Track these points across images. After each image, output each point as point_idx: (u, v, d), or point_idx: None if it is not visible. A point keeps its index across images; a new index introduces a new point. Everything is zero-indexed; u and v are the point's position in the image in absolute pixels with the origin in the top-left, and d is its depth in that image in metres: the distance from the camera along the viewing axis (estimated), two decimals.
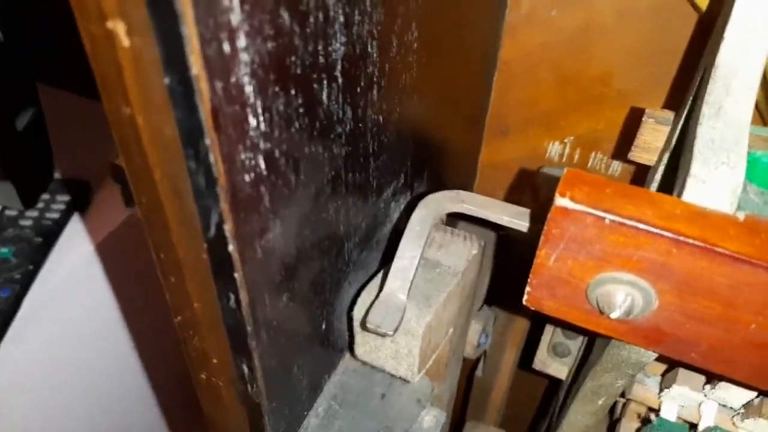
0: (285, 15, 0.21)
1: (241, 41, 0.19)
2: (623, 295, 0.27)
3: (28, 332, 0.67)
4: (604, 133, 0.58)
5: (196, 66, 0.18)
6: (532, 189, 0.62)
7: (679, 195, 0.27)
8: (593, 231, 0.26)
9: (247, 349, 0.26)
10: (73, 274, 0.73)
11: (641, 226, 0.25)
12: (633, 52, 0.52)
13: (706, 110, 0.28)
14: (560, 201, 0.26)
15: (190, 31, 0.17)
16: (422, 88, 0.39)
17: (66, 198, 0.78)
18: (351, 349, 0.37)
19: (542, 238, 0.27)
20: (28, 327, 0.67)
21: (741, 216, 0.25)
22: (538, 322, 0.63)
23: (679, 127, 0.35)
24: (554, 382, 0.57)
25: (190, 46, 0.17)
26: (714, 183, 0.26)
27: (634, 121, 0.55)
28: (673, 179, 0.38)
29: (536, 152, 0.63)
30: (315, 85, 0.25)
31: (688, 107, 0.34)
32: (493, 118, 0.62)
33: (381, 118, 0.33)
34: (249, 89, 0.20)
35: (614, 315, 0.27)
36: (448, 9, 0.40)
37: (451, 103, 0.51)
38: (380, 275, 0.37)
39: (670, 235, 0.25)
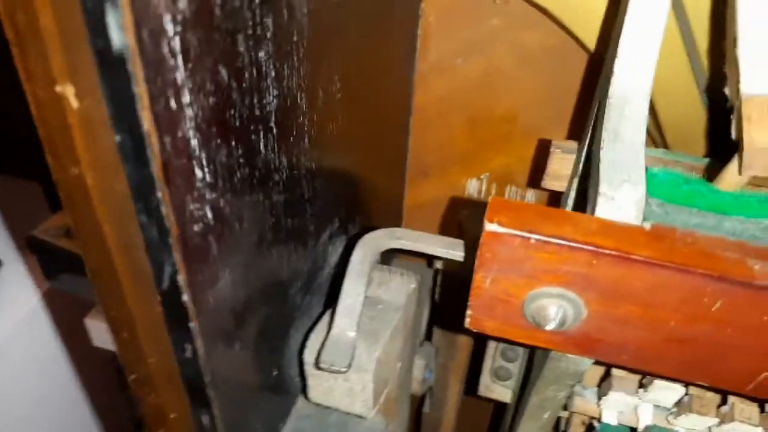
0: (223, 71, 0.22)
1: (186, 97, 0.20)
2: (555, 308, 0.29)
3: None
4: (515, 167, 0.62)
5: (147, 122, 0.19)
6: (458, 225, 0.65)
7: (592, 212, 0.29)
8: (521, 251, 0.28)
9: (207, 399, 0.26)
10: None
11: (563, 242, 0.27)
12: (533, 92, 0.57)
13: (606, 136, 0.31)
14: (489, 226, 0.28)
15: (140, 89, 0.18)
16: (348, 137, 0.41)
17: None
18: (304, 394, 0.38)
19: (477, 262, 0.29)
20: None
21: (647, 226, 0.28)
22: (478, 351, 0.65)
23: (584, 154, 0.39)
24: (500, 407, 0.58)
25: (141, 104, 0.18)
26: (620, 199, 0.29)
27: (542, 152, 0.60)
28: (584, 201, 0.42)
29: (456, 190, 0.66)
30: (253, 136, 0.26)
31: (589, 136, 0.38)
32: (413, 161, 0.65)
33: (313, 166, 0.35)
34: (194, 142, 0.21)
35: (549, 327, 0.29)
36: (365, 60, 0.42)
37: (375, 149, 0.54)
38: (325, 318, 0.38)
39: (589, 248, 0.27)
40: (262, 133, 0.27)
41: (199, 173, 0.22)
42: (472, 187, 0.65)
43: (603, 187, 0.30)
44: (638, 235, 0.28)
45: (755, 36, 0.28)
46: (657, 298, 0.28)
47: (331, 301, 0.43)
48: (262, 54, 0.25)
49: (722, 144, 0.49)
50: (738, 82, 0.28)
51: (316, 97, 0.33)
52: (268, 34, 0.25)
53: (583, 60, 0.53)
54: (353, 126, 0.43)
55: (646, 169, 0.30)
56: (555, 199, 0.47)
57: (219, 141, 0.23)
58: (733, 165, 0.30)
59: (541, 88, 0.56)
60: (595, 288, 0.28)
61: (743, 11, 0.28)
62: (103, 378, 0.80)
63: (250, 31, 0.24)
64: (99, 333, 0.69)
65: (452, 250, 0.36)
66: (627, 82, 0.32)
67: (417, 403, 0.72)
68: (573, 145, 0.42)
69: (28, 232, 0.67)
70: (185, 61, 0.20)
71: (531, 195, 0.64)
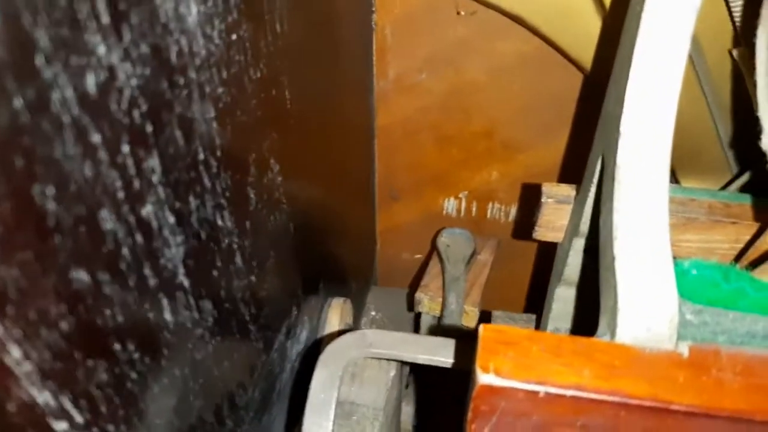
0: (82, 275, 0.15)
1: (15, 352, 0.13)
2: None
3: None
4: (497, 184, 0.56)
5: None
6: (435, 248, 0.58)
7: (612, 334, 0.23)
8: (527, 404, 0.22)
9: None
10: None
11: (581, 394, 0.21)
12: (511, 103, 0.49)
13: (619, 220, 0.25)
14: (483, 378, 0.21)
15: None
16: (300, 203, 0.34)
17: None
18: None
19: (470, 414, 0.23)
20: None
21: (684, 351, 0.22)
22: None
23: (585, 209, 0.32)
24: None
25: None
26: (647, 315, 0.23)
27: (530, 195, 0.53)
28: (590, 265, 0.35)
29: (432, 210, 0.59)
30: (151, 314, 0.19)
31: (592, 193, 0.31)
32: (381, 185, 0.58)
33: (254, 277, 0.28)
34: (44, 398, 0.14)
35: None
36: (315, 99, 0.35)
37: (337, 188, 0.46)
38: None
39: (616, 399, 0.21)
40: (165, 300, 0.20)
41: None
42: (451, 207, 0.59)
43: (623, 300, 0.23)
44: (675, 369, 0.22)
45: None
46: None
47: (299, 394, 0.37)
48: (147, 210, 0.18)
49: (738, 159, 0.43)
50: None
51: (246, 202, 0.26)
52: (155, 179, 0.18)
53: (564, 65, 0.46)
54: (308, 185, 0.36)
55: (675, 263, 0.24)
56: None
57: (90, 363, 0.16)
58: None
59: (520, 98, 0.49)
60: None
61: None
62: None
63: (121, 194, 0.16)
64: None
65: (439, 355, 0.29)
66: (640, 147, 0.25)
67: None
68: (567, 191, 0.35)
69: None
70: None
71: (514, 211, 0.57)
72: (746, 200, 0.34)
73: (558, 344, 0.22)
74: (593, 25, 0.39)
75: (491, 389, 0.21)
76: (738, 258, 0.32)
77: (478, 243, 0.56)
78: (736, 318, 0.23)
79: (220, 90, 0.21)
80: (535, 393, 0.21)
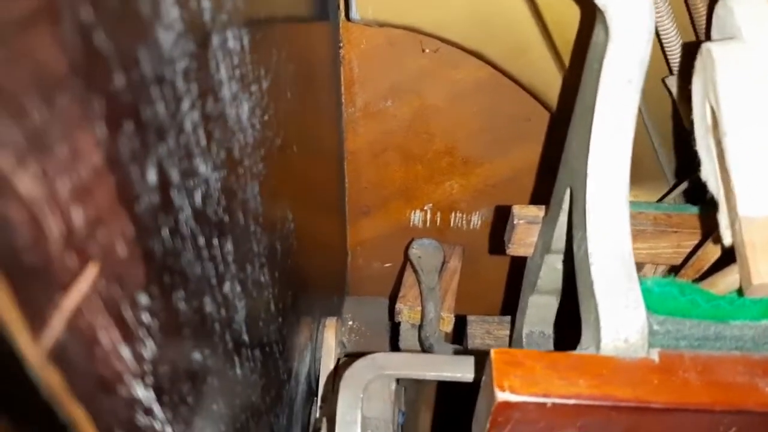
0: (196, 356, 0.18)
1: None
2: None
3: None
4: (458, 195, 0.60)
5: None
6: (408, 260, 0.63)
7: (597, 347, 0.28)
8: (536, 414, 0.26)
9: None
10: None
11: (580, 402, 0.26)
12: (470, 123, 0.54)
13: (592, 248, 0.29)
14: (501, 395, 0.25)
15: None
16: (304, 240, 0.37)
17: None
18: None
19: (488, 426, 0.27)
20: None
21: (655, 357, 0.27)
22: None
23: (556, 226, 0.37)
24: None
25: None
26: (624, 329, 0.27)
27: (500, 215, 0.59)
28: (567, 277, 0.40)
29: (400, 223, 0.63)
30: (230, 373, 0.22)
31: (564, 220, 0.36)
32: (352, 202, 0.61)
33: (281, 318, 0.31)
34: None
35: None
36: (297, 133, 0.38)
37: (320, 214, 0.50)
38: None
39: (607, 403, 0.26)
40: (236, 359, 0.23)
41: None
42: (417, 219, 0.63)
43: (605, 319, 0.28)
44: (651, 373, 0.27)
45: (746, 155, 0.26)
46: None
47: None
48: (226, 287, 0.21)
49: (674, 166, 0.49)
50: (731, 193, 0.27)
51: (275, 254, 0.29)
52: (230, 258, 0.21)
53: (515, 89, 0.50)
54: (306, 215, 0.39)
55: (640, 282, 0.29)
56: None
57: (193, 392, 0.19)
58: (728, 276, 0.29)
59: (477, 120, 0.54)
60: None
61: (731, 133, 0.26)
62: None
63: (214, 280, 0.19)
64: None
65: (459, 371, 0.33)
66: (605, 187, 0.30)
67: None
68: (536, 212, 0.40)
69: None
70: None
71: (476, 220, 0.62)
72: (684, 210, 0.40)
73: (555, 361, 0.27)
74: (544, 58, 0.44)
75: (507, 404, 0.26)
76: (684, 263, 0.38)
77: (446, 250, 0.61)
78: (692, 325, 0.28)
79: (260, 166, 0.25)
80: (543, 404, 0.25)
